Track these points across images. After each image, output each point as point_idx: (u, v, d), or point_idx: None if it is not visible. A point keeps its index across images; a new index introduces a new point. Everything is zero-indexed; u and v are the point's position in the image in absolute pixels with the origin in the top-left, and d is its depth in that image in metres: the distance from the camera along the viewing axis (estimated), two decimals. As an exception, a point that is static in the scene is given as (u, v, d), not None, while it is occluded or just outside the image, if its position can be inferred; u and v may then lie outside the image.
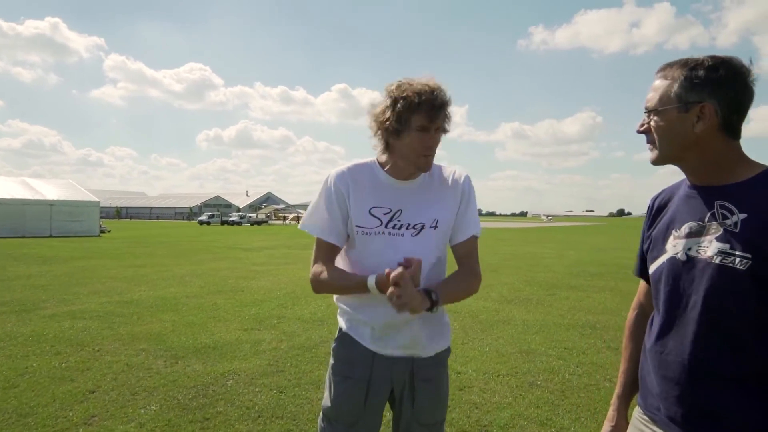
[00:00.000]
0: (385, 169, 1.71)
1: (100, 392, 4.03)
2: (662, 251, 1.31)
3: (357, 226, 1.68)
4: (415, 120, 1.57)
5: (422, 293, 1.53)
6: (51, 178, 35.89)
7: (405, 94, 1.56)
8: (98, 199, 32.88)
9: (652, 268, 1.34)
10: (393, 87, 1.60)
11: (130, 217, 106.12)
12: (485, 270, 10.15)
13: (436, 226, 1.69)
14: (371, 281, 1.58)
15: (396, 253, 1.64)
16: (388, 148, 1.66)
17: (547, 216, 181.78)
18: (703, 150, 1.23)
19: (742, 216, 1.16)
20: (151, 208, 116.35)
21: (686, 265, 1.23)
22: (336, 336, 1.81)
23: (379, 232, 1.67)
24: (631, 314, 1.56)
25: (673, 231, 1.29)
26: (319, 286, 1.71)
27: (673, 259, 1.27)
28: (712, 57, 1.21)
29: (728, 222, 1.18)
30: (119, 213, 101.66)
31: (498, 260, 15.77)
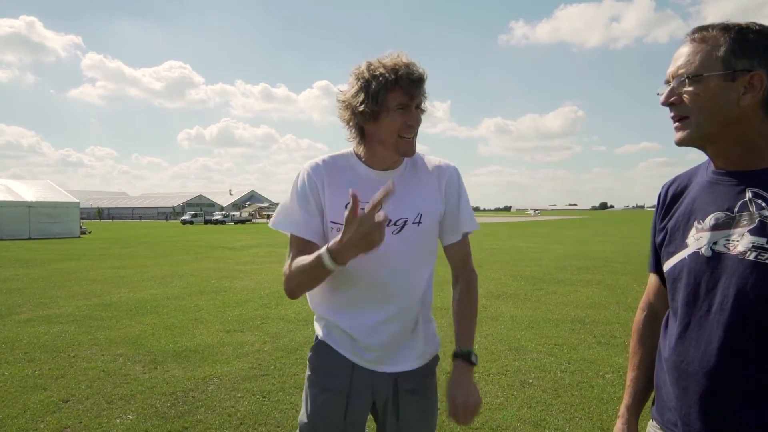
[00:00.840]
0: (363, 159, 1.56)
1: (73, 401, 3.83)
2: (682, 246, 1.16)
3: (332, 222, 1.51)
4: (392, 98, 1.42)
5: (471, 382, 1.50)
6: (32, 180, 35.09)
7: (378, 72, 1.41)
8: (78, 200, 32.25)
9: (668, 265, 1.20)
10: (362, 68, 1.45)
11: (112, 218, 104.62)
12: (473, 266, 9.88)
13: (419, 222, 1.53)
14: (323, 251, 1.34)
15: (377, 253, 1.49)
16: (363, 136, 1.52)
17: (535, 210, 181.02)
18: (741, 128, 1.08)
19: None
20: (133, 208, 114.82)
21: (711, 261, 1.09)
22: (312, 345, 1.65)
23: None
24: (639, 315, 1.40)
25: (695, 223, 1.14)
26: (287, 283, 1.50)
27: (695, 255, 1.12)
28: (756, 23, 1.08)
29: (765, 212, 1.04)
30: (100, 214, 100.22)
31: (484, 255, 15.69)
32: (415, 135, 1.49)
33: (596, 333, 5.88)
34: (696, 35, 1.11)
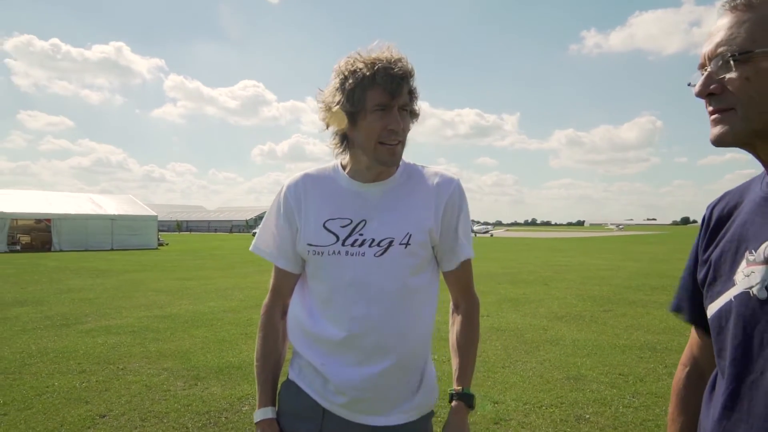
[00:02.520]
0: (347, 171, 1.36)
1: (110, 417, 3.83)
2: (728, 284, 0.87)
3: (308, 244, 1.33)
4: (370, 97, 1.22)
5: (464, 416, 1.35)
6: (117, 194, 37.49)
7: (355, 67, 1.22)
8: (156, 214, 34.00)
9: (711, 309, 0.90)
10: (341, 63, 1.27)
11: (190, 230, 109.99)
12: (535, 283, 9.52)
13: (408, 243, 1.29)
14: (257, 416, 1.38)
15: (354, 278, 1.28)
16: (347, 142, 1.32)
17: (618, 225, 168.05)
18: None
19: None
20: (209, 221, 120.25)
21: (766, 305, 0.80)
22: (282, 381, 1.45)
23: (333, 251, 1.31)
24: (680, 372, 1.10)
25: (746, 253, 0.86)
26: (257, 334, 1.46)
27: (744, 297, 0.83)
28: None
29: None
30: (179, 226, 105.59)
31: (550, 272, 14.97)
32: (401, 142, 1.27)
33: (668, 363, 5.31)
34: (738, 1, 0.83)
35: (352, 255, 1.29)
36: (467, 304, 1.44)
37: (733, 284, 0.86)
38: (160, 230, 38.38)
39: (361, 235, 1.30)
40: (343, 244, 1.30)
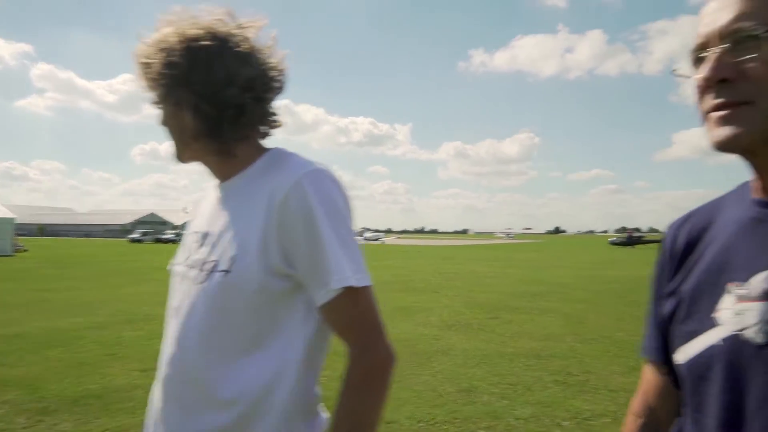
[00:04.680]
0: None
1: None
2: (707, 322, 0.69)
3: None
4: None
5: None
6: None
7: None
8: (13, 216, 30.35)
9: (685, 354, 0.72)
10: None
11: (56, 235, 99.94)
12: (426, 291, 9.45)
13: (228, 270, 0.95)
14: None
15: (176, 310, 1.03)
16: None
17: (508, 233, 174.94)
18: None
19: None
20: (79, 224, 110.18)
21: (765, 352, 0.62)
22: None
23: (173, 271, 1.11)
24: (631, 424, 0.90)
25: (730, 287, 0.68)
26: None
27: (734, 341, 0.65)
28: None
29: None
30: (42, 230, 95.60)
31: (440, 280, 15.28)
32: (177, 140, 1.06)
33: (551, 369, 5.46)
34: None
35: (184, 278, 1.04)
36: (351, 359, 0.95)
37: (715, 324, 0.68)
38: (19, 234, 34.29)
39: (199, 251, 1.04)
40: (180, 262, 1.09)
